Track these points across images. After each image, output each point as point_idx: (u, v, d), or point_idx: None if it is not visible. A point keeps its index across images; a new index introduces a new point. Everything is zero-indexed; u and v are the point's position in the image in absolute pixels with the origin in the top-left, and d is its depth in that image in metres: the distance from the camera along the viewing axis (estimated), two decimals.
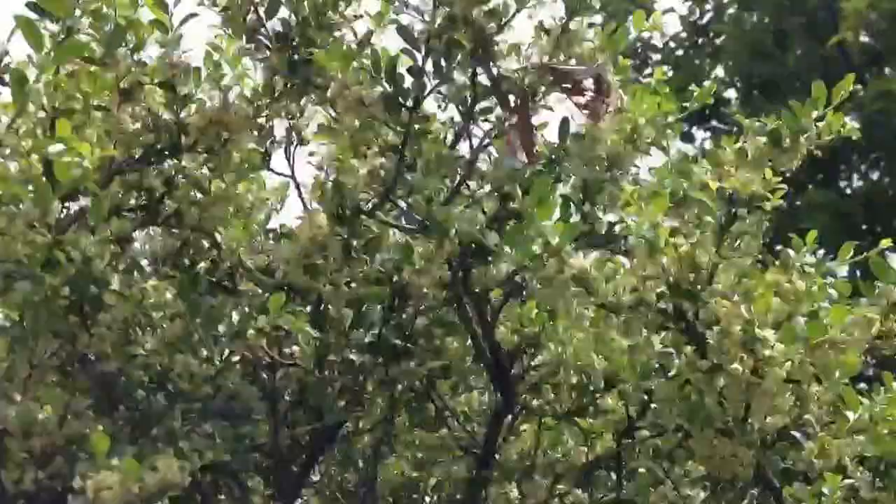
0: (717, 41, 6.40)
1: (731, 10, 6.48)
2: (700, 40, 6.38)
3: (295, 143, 1.73)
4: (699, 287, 1.16)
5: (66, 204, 1.39)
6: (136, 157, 1.53)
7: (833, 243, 1.51)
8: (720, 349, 1.13)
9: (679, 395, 1.21)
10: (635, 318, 1.20)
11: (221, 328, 1.45)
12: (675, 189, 1.34)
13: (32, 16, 1.41)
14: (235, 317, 1.45)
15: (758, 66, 5.96)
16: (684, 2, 6.65)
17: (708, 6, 6.50)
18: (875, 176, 5.59)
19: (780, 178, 1.22)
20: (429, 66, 1.39)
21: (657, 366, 1.29)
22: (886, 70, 5.50)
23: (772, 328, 1.12)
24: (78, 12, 1.33)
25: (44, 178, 1.23)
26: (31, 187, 1.24)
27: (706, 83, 1.62)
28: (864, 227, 5.33)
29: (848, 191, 5.53)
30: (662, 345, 1.24)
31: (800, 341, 1.10)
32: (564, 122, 1.43)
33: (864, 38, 5.69)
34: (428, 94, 1.40)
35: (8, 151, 1.14)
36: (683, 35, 6.31)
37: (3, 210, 1.24)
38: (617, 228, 1.45)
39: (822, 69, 6.11)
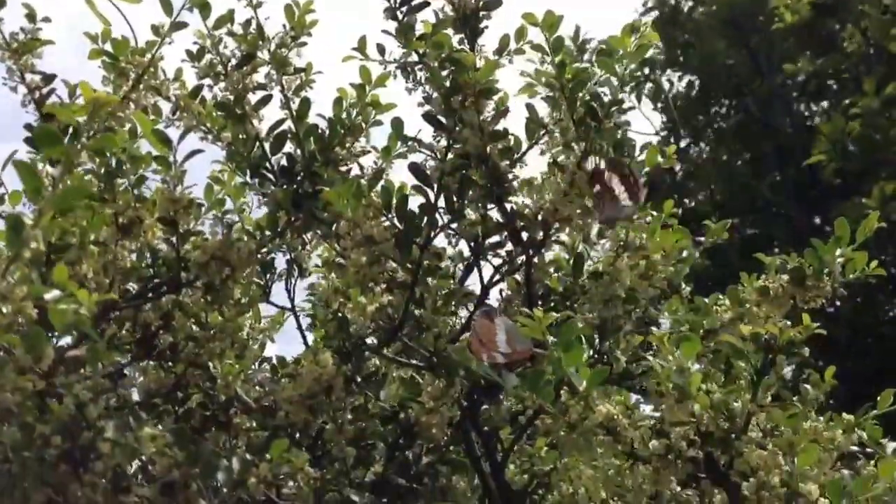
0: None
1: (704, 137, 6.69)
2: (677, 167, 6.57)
3: (296, 276, 1.69)
4: (733, 435, 1.11)
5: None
6: (134, 292, 1.48)
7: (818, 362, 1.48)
8: (758, 502, 1.07)
9: None
10: (664, 466, 1.14)
11: (220, 476, 1.38)
12: (696, 327, 1.30)
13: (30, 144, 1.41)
14: (235, 463, 1.37)
15: (734, 192, 6.11)
16: (660, 131, 6.84)
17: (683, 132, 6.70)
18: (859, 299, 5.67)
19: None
20: (440, 202, 1.36)
21: None
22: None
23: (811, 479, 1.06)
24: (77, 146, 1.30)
25: (38, 323, 1.17)
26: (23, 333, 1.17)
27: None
28: (848, 346, 5.38)
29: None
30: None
31: (845, 496, 1.04)
32: (579, 259, 1.40)
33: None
34: (440, 232, 1.37)
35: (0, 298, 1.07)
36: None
37: None
38: (634, 367, 1.41)
39: (796, 191, 6.26)
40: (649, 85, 7.31)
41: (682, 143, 7.21)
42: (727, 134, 7.00)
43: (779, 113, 6.96)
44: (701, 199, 6.93)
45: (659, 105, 7.32)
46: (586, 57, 1.38)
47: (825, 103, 6.85)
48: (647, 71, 7.27)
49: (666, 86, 7.40)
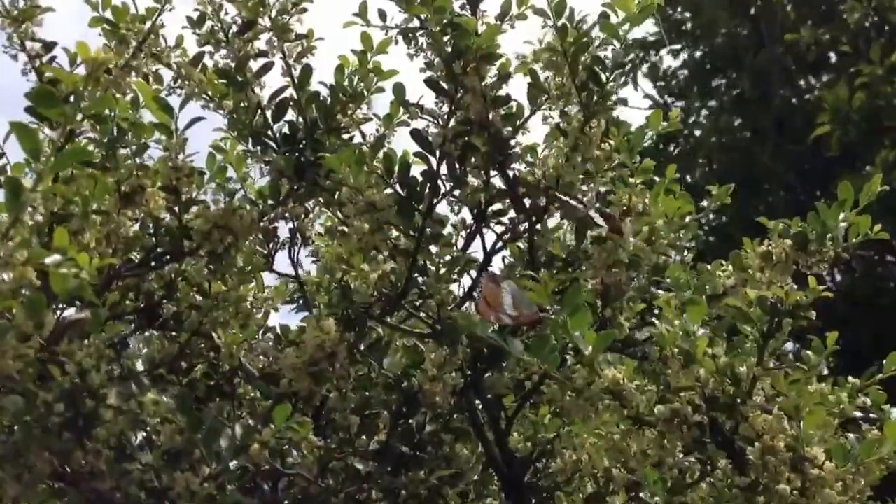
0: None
1: (703, 112, 6.66)
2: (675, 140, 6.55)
3: (299, 244, 1.68)
4: (738, 400, 1.10)
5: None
6: (136, 261, 1.48)
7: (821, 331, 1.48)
8: (763, 466, 1.07)
9: None
10: (669, 431, 1.14)
11: (223, 442, 1.38)
12: (700, 291, 1.30)
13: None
14: (238, 430, 1.37)
15: (735, 163, 6.09)
16: (651, 106, 6.81)
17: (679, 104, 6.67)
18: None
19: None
20: (442, 169, 1.35)
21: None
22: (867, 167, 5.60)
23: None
24: (79, 116, 1.29)
25: (39, 290, 1.17)
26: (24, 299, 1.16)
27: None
28: (845, 320, 5.37)
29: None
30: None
31: (850, 459, 1.04)
32: (582, 224, 1.39)
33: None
34: (442, 199, 1.36)
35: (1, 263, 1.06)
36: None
37: None
38: (637, 334, 1.40)
39: (796, 164, 6.25)
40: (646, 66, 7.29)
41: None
42: (727, 106, 6.98)
43: (779, 84, 6.93)
44: (699, 171, 6.91)
45: (657, 79, 7.29)
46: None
47: (825, 77, 6.82)
48: (647, 45, 7.24)
49: (667, 60, 7.37)
